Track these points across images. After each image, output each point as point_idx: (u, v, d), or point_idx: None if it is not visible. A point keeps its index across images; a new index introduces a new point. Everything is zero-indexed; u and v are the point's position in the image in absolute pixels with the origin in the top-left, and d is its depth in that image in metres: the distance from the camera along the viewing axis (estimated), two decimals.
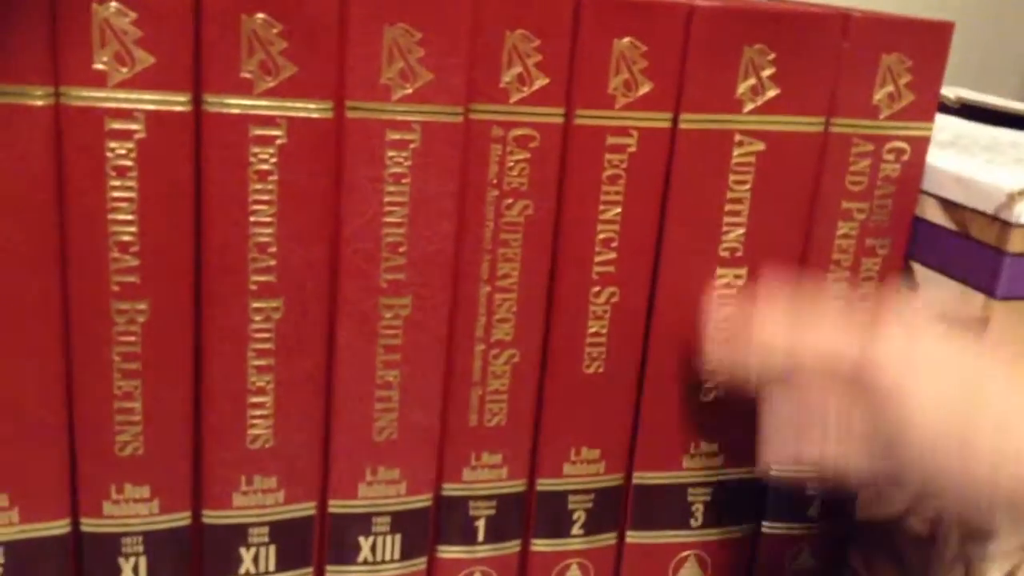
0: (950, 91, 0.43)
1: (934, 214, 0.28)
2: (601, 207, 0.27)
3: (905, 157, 0.28)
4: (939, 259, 0.28)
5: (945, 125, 0.37)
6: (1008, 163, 0.29)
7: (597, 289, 0.27)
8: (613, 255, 0.27)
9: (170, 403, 0.25)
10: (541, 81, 0.25)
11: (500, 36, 0.24)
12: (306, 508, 0.27)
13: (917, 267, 0.29)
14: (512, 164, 0.25)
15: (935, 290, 0.28)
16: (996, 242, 0.26)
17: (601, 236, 0.27)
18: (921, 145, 0.28)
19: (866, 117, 0.27)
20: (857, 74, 0.27)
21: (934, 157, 0.29)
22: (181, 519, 0.26)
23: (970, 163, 0.28)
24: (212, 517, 0.26)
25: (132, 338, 0.24)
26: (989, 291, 0.26)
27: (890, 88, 0.27)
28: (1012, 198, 0.25)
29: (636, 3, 0.25)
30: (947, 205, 0.28)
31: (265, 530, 0.26)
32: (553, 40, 0.25)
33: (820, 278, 0.29)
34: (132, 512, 0.25)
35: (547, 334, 0.27)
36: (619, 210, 0.27)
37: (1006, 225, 0.26)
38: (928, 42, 0.27)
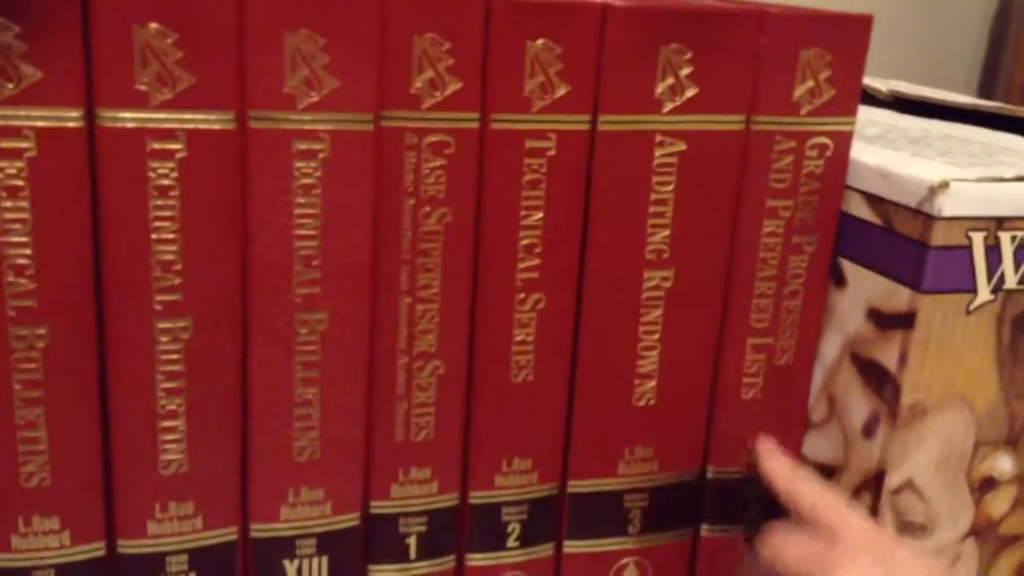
0: (883, 84, 0.43)
1: (859, 209, 0.28)
2: (522, 212, 0.26)
3: (828, 153, 0.28)
4: (866, 254, 0.28)
5: (876, 119, 0.37)
6: (934, 156, 0.28)
7: (522, 296, 0.27)
8: (537, 261, 0.27)
9: (76, 431, 0.24)
10: (454, 85, 0.24)
11: (409, 40, 0.24)
12: (227, 533, 0.26)
13: (845, 263, 0.29)
14: (428, 171, 0.25)
15: (862, 286, 0.28)
16: (920, 236, 0.26)
17: (524, 242, 0.26)
18: (844, 140, 0.28)
19: (787, 113, 0.27)
20: (776, 71, 0.27)
21: (859, 151, 0.28)
22: (95, 550, 0.25)
23: (894, 157, 0.28)
24: (127, 547, 0.25)
25: (32, 365, 0.23)
26: (915, 285, 0.26)
27: (810, 83, 0.27)
28: (933, 191, 0.25)
29: (548, 4, 0.25)
30: (871, 200, 0.27)
31: (184, 558, 0.25)
32: (464, 43, 0.24)
33: (748, 276, 0.28)
34: (42, 544, 0.24)
35: (472, 344, 0.27)
36: (541, 215, 0.26)
37: (929, 218, 0.25)
38: (847, 36, 0.27)
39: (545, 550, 0.30)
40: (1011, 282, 0.27)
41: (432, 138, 0.25)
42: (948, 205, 0.25)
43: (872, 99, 0.42)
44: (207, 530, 0.25)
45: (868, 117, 0.37)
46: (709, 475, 0.30)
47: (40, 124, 0.21)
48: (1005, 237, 0.26)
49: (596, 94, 0.26)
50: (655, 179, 0.27)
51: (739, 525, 0.31)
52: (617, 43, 0.25)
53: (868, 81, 0.44)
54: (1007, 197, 0.26)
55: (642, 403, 0.29)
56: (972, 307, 0.26)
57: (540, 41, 0.25)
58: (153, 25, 0.21)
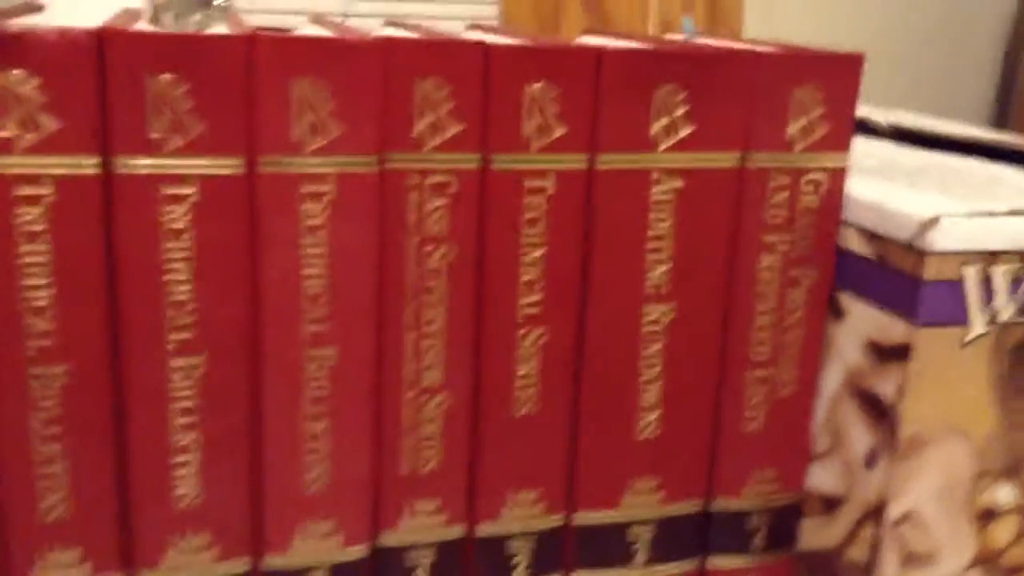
0: (883, 116, 0.44)
1: (855, 243, 0.29)
2: (523, 250, 0.27)
3: (823, 188, 0.29)
4: (862, 288, 0.28)
5: (874, 151, 0.37)
6: (929, 188, 0.29)
7: (524, 331, 0.27)
8: (539, 296, 0.27)
9: (94, 466, 0.24)
10: (455, 128, 0.25)
11: (410, 85, 0.25)
12: (240, 564, 0.26)
13: (843, 296, 0.29)
14: (430, 211, 0.26)
15: (860, 319, 0.28)
16: (912, 270, 0.26)
17: (525, 278, 0.27)
18: (838, 175, 0.29)
19: (781, 151, 0.28)
20: (770, 109, 0.28)
21: (855, 185, 0.29)
22: None
23: (889, 190, 0.28)
24: None
25: (50, 403, 0.23)
26: (909, 318, 0.26)
27: (803, 121, 0.28)
28: (924, 226, 0.26)
29: (546, 49, 0.25)
30: (866, 234, 0.28)
31: None
32: (464, 87, 0.25)
33: (747, 310, 0.29)
34: None
35: (477, 378, 0.28)
36: (542, 252, 0.27)
37: (921, 253, 0.26)
38: (839, 74, 0.28)
39: None
40: (1006, 315, 0.27)
41: (434, 179, 0.25)
42: (939, 240, 0.26)
43: (872, 131, 0.42)
44: (221, 561, 0.26)
45: (866, 150, 0.37)
46: (715, 506, 0.31)
47: (58, 172, 0.22)
48: (998, 271, 0.26)
49: (593, 134, 0.26)
50: (653, 215, 0.28)
51: (745, 556, 0.31)
52: (612, 85, 0.26)
53: (868, 113, 0.44)
54: (999, 231, 0.26)
55: (645, 435, 0.29)
56: (967, 340, 0.27)
57: (538, 85, 0.26)
58: (165, 76, 0.22)
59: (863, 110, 0.47)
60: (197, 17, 0.48)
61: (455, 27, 0.34)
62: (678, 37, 0.35)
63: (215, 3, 0.49)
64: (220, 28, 0.26)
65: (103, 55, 0.22)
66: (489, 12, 1.26)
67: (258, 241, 0.24)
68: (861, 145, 0.39)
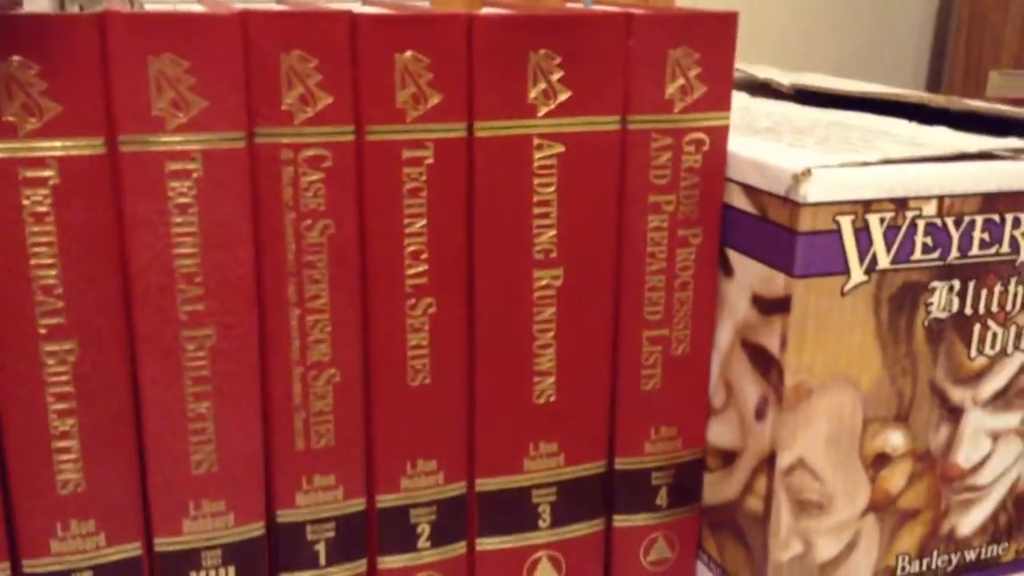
0: (787, 78, 0.44)
1: (739, 200, 0.29)
2: (406, 220, 0.27)
3: (705, 147, 0.29)
4: (747, 243, 0.29)
5: (775, 111, 0.38)
6: (810, 145, 0.29)
7: (412, 301, 0.27)
8: (425, 267, 0.27)
9: None
10: (325, 100, 0.25)
11: (275, 59, 0.24)
12: (131, 549, 0.26)
13: (731, 253, 0.30)
14: (306, 185, 0.26)
15: (746, 274, 0.29)
16: (789, 222, 0.27)
17: (410, 249, 0.27)
18: (720, 134, 0.29)
19: (661, 112, 0.28)
20: (646, 71, 0.28)
21: (740, 144, 0.29)
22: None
23: (771, 148, 0.29)
24: (32, 566, 0.25)
25: None
26: (788, 270, 0.27)
27: (681, 81, 0.28)
28: (797, 179, 0.26)
29: (413, 17, 0.25)
30: (748, 190, 0.28)
31: (89, 574, 0.26)
32: (332, 59, 0.25)
33: (638, 271, 0.29)
34: None
35: (367, 351, 0.28)
36: (424, 222, 0.27)
37: (796, 205, 0.26)
38: (714, 34, 0.28)
39: (457, 549, 0.30)
40: (884, 262, 0.27)
41: (308, 152, 0.25)
42: (812, 192, 0.26)
43: (776, 93, 0.43)
44: (110, 546, 0.26)
45: (767, 110, 0.38)
46: (617, 466, 0.31)
47: None
48: (873, 219, 0.27)
49: (470, 102, 0.26)
50: (536, 181, 0.28)
51: (650, 514, 0.32)
52: (485, 51, 0.26)
53: (772, 75, 0.45)
54: (871, 181, 0.27)
55: (543, 400, 0.30)
56: (847, 288, 0.27)
57: (408, 53, 0.25)
58: (16, 58, 0.22)
59: (768, 73, 0.47)
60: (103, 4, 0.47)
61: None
62: (575, 5, 0.35)
63: None
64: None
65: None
66: None
67: (125, 221, 0.24)
68: (761, 106, 0.39)
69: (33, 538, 0.25)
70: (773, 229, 0.27)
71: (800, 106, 0.39)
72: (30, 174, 0.23)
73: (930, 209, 0.27)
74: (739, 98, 0.41)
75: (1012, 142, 0.29)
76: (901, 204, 0.27)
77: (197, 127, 0.24)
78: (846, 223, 0.27)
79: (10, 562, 0.25)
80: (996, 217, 0.28)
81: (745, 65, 0.47)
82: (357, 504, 0.29)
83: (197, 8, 0.25)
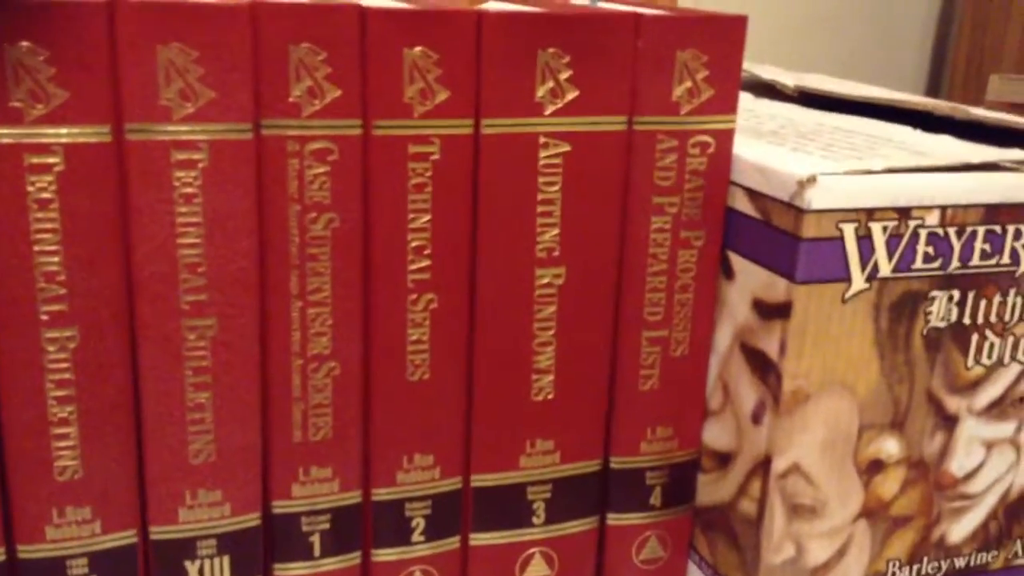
0: (792, 79, 0.44)
1: (742, 204, 0.29)
2: (410, 216, 0.27)
3: (711, 150, 0.29)
4: (749, 247, 0.29)
5: (778, 113, 0.38)
6: (814, 150, 0.29)
7: (414, 297, 0.27)
8: (427, 262, 0.27)
9: None
10: (333, 93, 0.25)
11: (284, 51, 0.24)
12: (126, 536, 0.26)
13: (733, 256, 0.30)
14: (312, 178, 0.26)
15: (748, 278, 0.29)
16: (792, 228, 0.27)
17: (413, 244, 0.27)
18: (725, 137, 0.29)
19: (667, 114, 0.28)
20: (654, 72, 0.28)
21: (745, 147, 0.29)
22: None
23: (775, 152, 0.29)
24: (27, 551, 0.25)
25: None
26: (789, 276, 0.27)
27: (688, 84, 0.28)
28: (802, 185, 0.26)
29: (423, 12, 0.25)
30: (752, 195, 0.28)
31: (84, 561, 0.26)
32: (341, 52, 0.25)
33: (639, 271, 0.29)
34: None
35: (367, 345, 0.28)
36: (429, 217, 0.27)
37: (799, 211, 0.26)
38: (722, 36, 0.28)
39: (451, 544, 0.30)
40: (885, 271, 0.27)
41: (314, 145, 0.25)
42: (816, 198, 0.26)
43: (780, 94, 0.43)
44: (106, 534, 0.26)
45: (771, 112, 0.38)
46: (612, 465, 0.31)
47: None
48: (876, 227, 0.27)
49: (477, 99, 0.26)
50: (541, 180, 0.28)
51: (643, 513, 0.32)
52: (494, 48, 0.26)
53: (777, 76, 0.45)
54: (876, 189, 0.27)
55: (540, 397, 0.30)
56: (847, 296, 0.27)
57: (417, 49, 0.25)
58: (24, 43, 0.22)
59: (773, 74, 0.47)
60: None
61: None
62: (580, 3, 0.35)
63: None
64: None
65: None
66: None
67: (129, 210, 0.24)
68: (765, 108, 0.39)
69: (29, 524, 0.25)
70: (776, 234, 0.27)
71: (804, 109, 0.39)
72: (35, 160, 0.23)
73: (933, 219, 0.27)
74: (743, 99, 0.41)
75: (1016, 153, 0.30)
76: (904, 213, 0.27)
77: (204, 117, 0.24)
78: (849, 230, 0.27)
79: (5, 547, 0.25)
80: (998, 228, 0.28)
81: (749, 65, 0.47)
82: (353, 497, 0.29)
83: None
